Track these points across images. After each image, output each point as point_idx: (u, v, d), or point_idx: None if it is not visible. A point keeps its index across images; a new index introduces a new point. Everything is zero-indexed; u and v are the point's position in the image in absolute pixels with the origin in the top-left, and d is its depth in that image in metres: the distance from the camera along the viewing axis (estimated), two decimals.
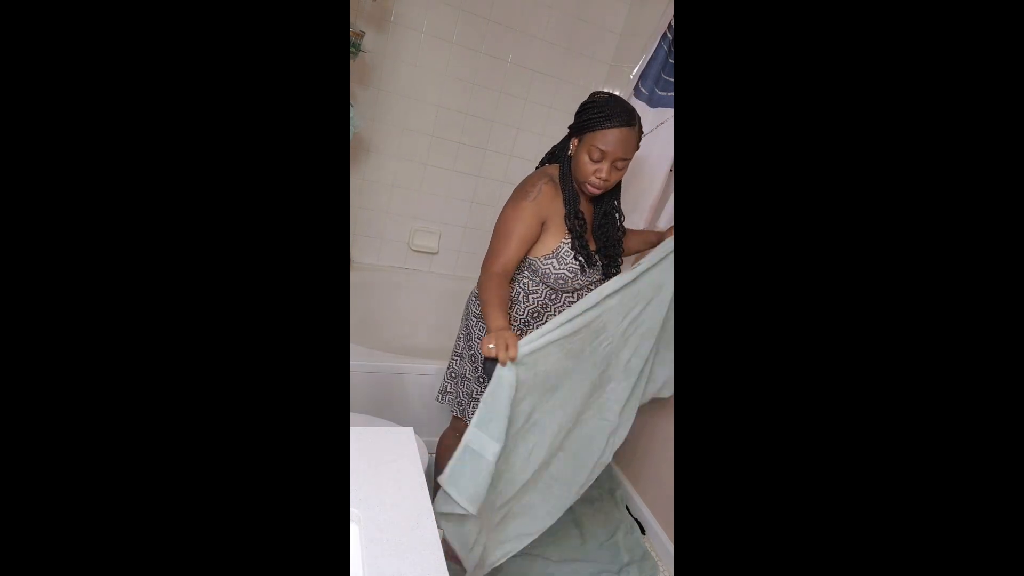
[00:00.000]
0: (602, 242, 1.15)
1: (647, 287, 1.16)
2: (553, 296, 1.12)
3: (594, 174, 1.03)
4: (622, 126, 1.00)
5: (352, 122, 1.54)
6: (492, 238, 1.08)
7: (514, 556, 1.43)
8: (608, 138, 0.99)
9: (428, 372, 1.56)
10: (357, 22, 1.66)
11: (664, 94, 1.45)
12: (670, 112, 1.42)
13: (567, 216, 1.07)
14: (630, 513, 1.68)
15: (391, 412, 1.49)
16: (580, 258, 1.08)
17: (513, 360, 0.92)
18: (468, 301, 1.25)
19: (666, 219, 1.55)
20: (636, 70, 1.49)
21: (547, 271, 1.08)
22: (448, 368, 1.29)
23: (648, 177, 1.52)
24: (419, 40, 1.82)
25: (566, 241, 1.08)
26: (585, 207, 1.11)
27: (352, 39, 1.56)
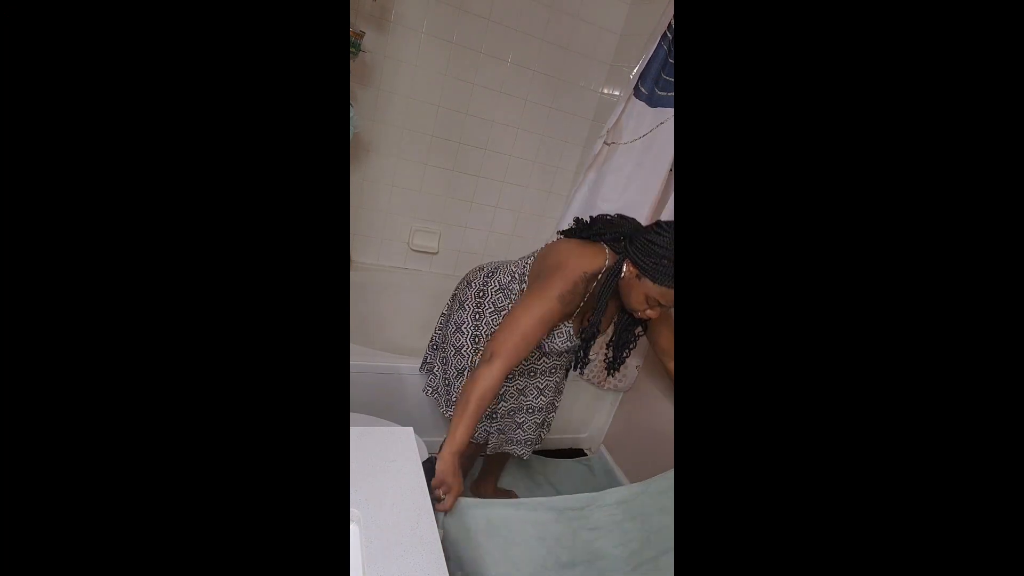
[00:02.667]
0: (619, 339, 1.17)
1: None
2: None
3: (644, 312, 1.04)
4: None
5: (352, 122, 1.54)
6: (511, 321, 0.98)
7: None
8: (670, 296, 0.98)
9: None
10: (357, 22, 1.66)
11: (664, 94, 1.45)
12: (670, 112, 1.42)
13: (582, 331, 1.09)
14: None
15: (391, 412, 1.49)
16: (574, 357, 1.12)
17: (444, 511, 0.81)
18: (460, 284, 1.29)
19: (666, 219, 1.55)
20: (636, 70, 1.49)
21: None
22: (431, 340, 1.34)
23: (648, 177, 1.52)
24: (419, 40, 1.82)
25: (568, 326, 1.10)
26: (612, 305, 1.12)
27: (352, 39, 1.56)
